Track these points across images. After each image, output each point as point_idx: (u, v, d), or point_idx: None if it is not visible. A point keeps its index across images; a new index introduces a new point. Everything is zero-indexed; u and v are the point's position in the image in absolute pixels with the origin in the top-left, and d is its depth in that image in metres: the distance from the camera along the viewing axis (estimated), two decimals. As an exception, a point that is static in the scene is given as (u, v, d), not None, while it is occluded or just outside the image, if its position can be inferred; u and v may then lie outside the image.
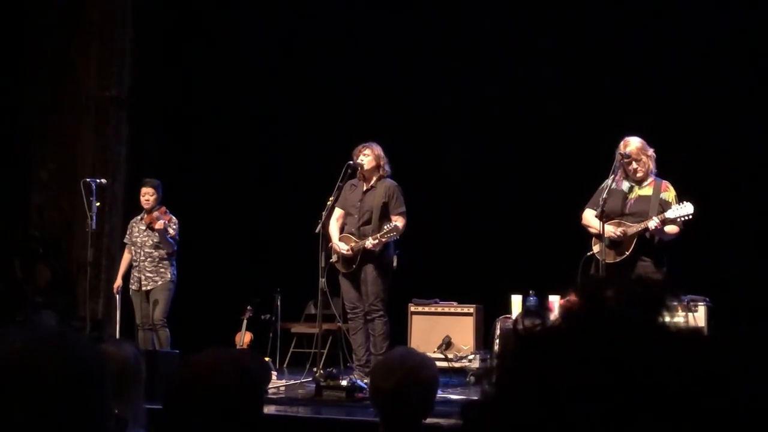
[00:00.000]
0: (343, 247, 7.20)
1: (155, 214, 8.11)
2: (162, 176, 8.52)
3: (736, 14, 8.83)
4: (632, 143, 6.40)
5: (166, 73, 10.23)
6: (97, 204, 8.14)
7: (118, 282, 8.40)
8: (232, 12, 10.53)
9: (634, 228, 6.27)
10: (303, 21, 10.35)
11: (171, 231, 8.08)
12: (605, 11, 9.23)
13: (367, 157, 7.28)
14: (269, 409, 5.64)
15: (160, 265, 8.13)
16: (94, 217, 8.09)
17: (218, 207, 10.10)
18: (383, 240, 7.06)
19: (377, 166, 7.29)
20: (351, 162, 7.23)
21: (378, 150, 7.34)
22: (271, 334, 8.97)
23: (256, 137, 10.45)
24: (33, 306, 9.33)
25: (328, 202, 7.23)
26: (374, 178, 7.31)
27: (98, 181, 8.25)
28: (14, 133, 10.06)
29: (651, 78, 9.01)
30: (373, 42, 9.98)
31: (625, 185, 6.46)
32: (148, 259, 8.13)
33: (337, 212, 7.36)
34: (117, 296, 8.43)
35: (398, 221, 7.17)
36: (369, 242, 7.05)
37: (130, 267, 8.33)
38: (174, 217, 8.19)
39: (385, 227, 7.09)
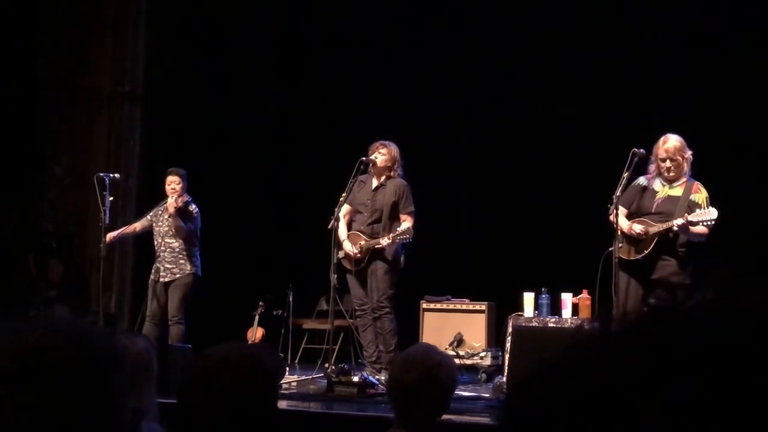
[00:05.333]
0: (352, 250, 7.20)
1: (169, 199, 7.97)
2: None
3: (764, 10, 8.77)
4: (671, 141, 6.29)
5: (180, 69, 10.24)
6: (111, 199, 8.11)
7: (113, 234, 8.16)
8: (246, 6, 10.53)
9: (656, 227, 6.22)
10: (318, 15, 10.35)
11: (192, 207, 7.93)
12: (626, 7, 9.18)
13: (382, 155, 7.27)
14: (280, 405, 5.64)
15: (180, 256, 8.02)
16: (107, 212, 8.07)
17: (231, 203, 10.11)
18: (396, 240, 7.06)
19: (389, 167, 7.29)
20: (363, 158, 7.22)
21: (395, 152, 7.32)
22: (283, 330, 9.00)
23: (270, 133, 10.46)
24: (46, 300, 9.37)
25: (341, 198, 7.24)
26: (384, 177, 7.31)
27: (111, 176, 8.22)
28: (28, 128, 10.10)
29: (671, 75, 8.97)
30: (387, 39, 9.97)
31: (657, 184, 6.39)
32: (167, 250, 8.03)
33: (345, 208, 7.34)
34: (103, 241, 8.13)
35: (407, 221, 7.18)
36: (384, 241, 7.06)
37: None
38: (196, 206, 8.09)
39: (399, 228, 7.09)
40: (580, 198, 6.90)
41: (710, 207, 6.13)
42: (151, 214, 8.30)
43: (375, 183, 7.35)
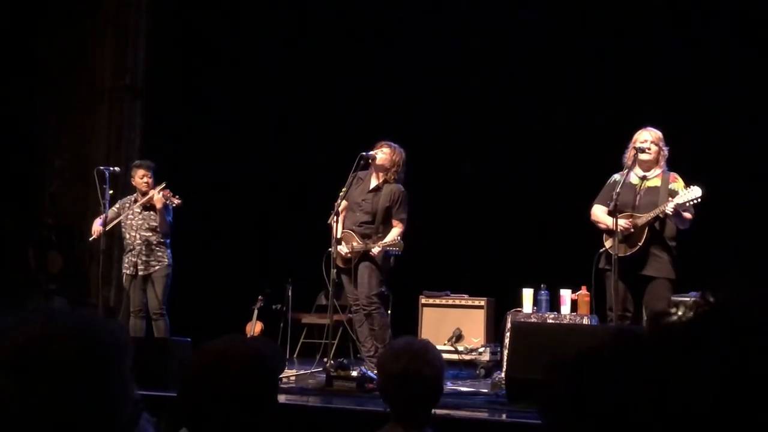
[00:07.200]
0: (343, 250, 7.21)
1: (152, 192, 7.92)
2: (175, 165, 8.52)
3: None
4: (653, 129, 6.42)
5: (181, 62, 10.24)
6: (110, 192, 8.11)
7: (98, 229, 8.03)
8: (249, 1, 10.53)
9: (643, 218, 6.24)
10: (320, 9, 10.34)
11: (175, 200, 7.87)
12: (609, 11, 9.19)
13: (383, 154, 7.25)
14: (279, 399, 5.65)
15: (157, 249, 7.97)
16: (107, 206, 8.07)
17: (231, 196, 10.11)
18: (386, 249, 7.09)
19: (387, 169, 7.26)
20: (364, 153, 7.21)
21: (398, 156, 7.27)
22: (282, 325, 9.00)
23: (270, 127, 10.46)
24: (46, 293, 9.38)
25: (341, 193, 7.23)
26: (381, 178, 7.30)
27: (111, 169, 8.19)
28: (29, 121, 10.10)
29: (661, 75, 8.98)
30: (390, 36, 9.97)
31: (635, 178, 6.42)
32: (144, 243, 7.96)
33: (344, 204, 7.34)
34: (93, 235, 8.13)
35: (397, 227, 7.20)
36: (375, 249, 7.08)
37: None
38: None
39: (388, 237, 7.12)
40: (580, 194, 6.89)
41: (692, 186, 6.14)
42: (117, 206, 8.24)
43: (373, 183, 7.33)
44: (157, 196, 7.85)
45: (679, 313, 0.76)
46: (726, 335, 0.71)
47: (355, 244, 7.21)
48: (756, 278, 0.76)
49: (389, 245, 7.06)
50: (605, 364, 0.76)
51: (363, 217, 7.29)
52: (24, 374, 1.17)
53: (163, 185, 7.97)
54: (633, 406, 0.72)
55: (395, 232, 7.18)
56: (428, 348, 2.98)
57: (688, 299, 0.80)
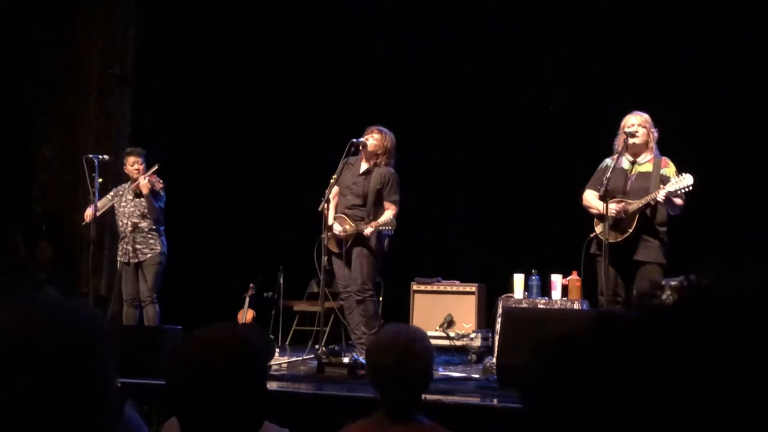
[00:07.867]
0: (337, 228, 7.20)
1: (140, 179, 7.92)
2: (165, 154, 8.49)
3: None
4: (639, 113, 6.43)
5: (170, 50, 10.19)
6: (99, 180, 8.08)
7: (90, 213, 8.02)
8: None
9: (634, 204, 6.24)
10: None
11: (159, 185, 7.88)
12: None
13: (374, 140, 7.23)
14: (271, 386, 5.65)
15: (150, 236, 7.98)
16: (97, 194, 8.05)
17: (222, 184, 10.09)
18: (380, 229, 7.07)
19: (377, 154, 7.25)
20: (355, 140, 7.20)
21: (389, 142, 7.25)
22: (273, 312, 9.01)
23: (261, 114, 10.43)
24: (35, 282, 9.34)
25: (332, 180, 7.23)
26: (372, 163, 7.29)
27: (100, 157, 8.17)
28: (18, 110, 10.05)
29: (653, 61, 8.97)
30: (379, 27, 9.94)
31: (625, 163, 6.42)
32: (136, 230, 7.98)
33: (334, 190, 7.34)
34: (86, 220, 8.12)
35: (390, 209, 7.18)
36: (367, 230, 7.07)
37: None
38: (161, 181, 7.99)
39: (381, 218, 7.10)
40: (571, 180, 6.89)
41: (684, 174, 6.14)
42: (111, 193, 8.25)
43: (363, 167, 7.32)
44: (143, 181, 7.85)
45: (665, 294, 0.76)
46: (711, 317, 0.72)
47: (347, 227, 7.20)
48: (742, 261, 0.76)
49: (382, 225, 7.04)
50: (586, 347, 0.75)
51: (354, 200, 7.28)
52: (5, 363, 1.16)
53: (155, 168, 7.97)
54: (615, 391, 0.71)
55: (389, 214, 7.16)
56: (416, 337, 2.96)
57: (673, 282, 0.80)
